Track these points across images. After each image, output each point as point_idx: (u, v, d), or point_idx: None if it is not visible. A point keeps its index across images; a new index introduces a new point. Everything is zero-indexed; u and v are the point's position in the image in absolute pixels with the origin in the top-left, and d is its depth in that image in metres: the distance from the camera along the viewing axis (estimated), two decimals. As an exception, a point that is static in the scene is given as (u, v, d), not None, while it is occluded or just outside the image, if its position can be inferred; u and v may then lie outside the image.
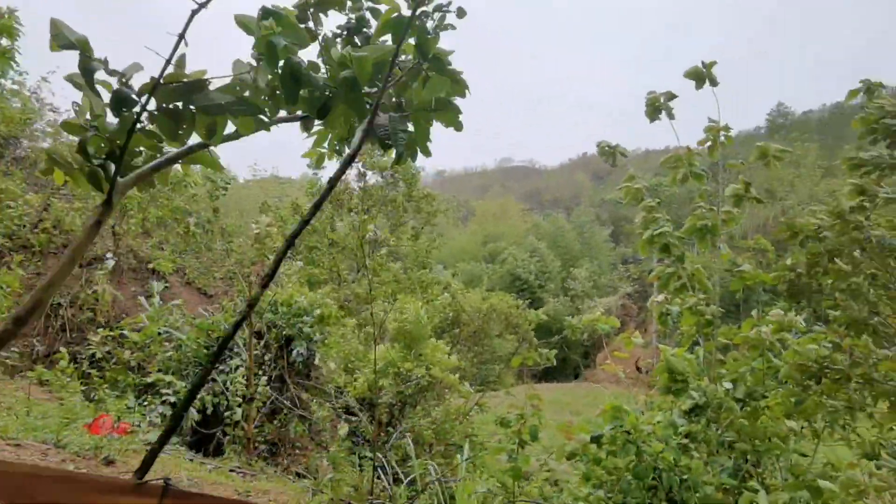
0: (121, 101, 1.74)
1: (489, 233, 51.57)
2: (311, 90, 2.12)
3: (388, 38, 2.45)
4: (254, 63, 2.00)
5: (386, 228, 19.48)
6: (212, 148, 2.32)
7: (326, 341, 8.76)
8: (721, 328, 3.50)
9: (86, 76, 1.70)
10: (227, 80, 1.96)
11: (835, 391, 2.80)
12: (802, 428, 3.21)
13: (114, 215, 10.76)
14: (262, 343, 8.18)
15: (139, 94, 1.78)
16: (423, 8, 2.22)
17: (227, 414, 7.09)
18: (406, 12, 2.31)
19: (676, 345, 3.78)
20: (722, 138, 3.67)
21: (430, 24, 2.27)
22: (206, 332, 7.65)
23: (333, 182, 2.39)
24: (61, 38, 1.65)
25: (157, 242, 11.09)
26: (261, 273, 11.30)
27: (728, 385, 3.35)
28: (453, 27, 2.26)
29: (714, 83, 3.61)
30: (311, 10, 2.31)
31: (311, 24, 2.40)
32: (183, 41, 1.71)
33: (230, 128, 2.29)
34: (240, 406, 7.10)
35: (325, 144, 3.02)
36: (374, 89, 2.35)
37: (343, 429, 7.61)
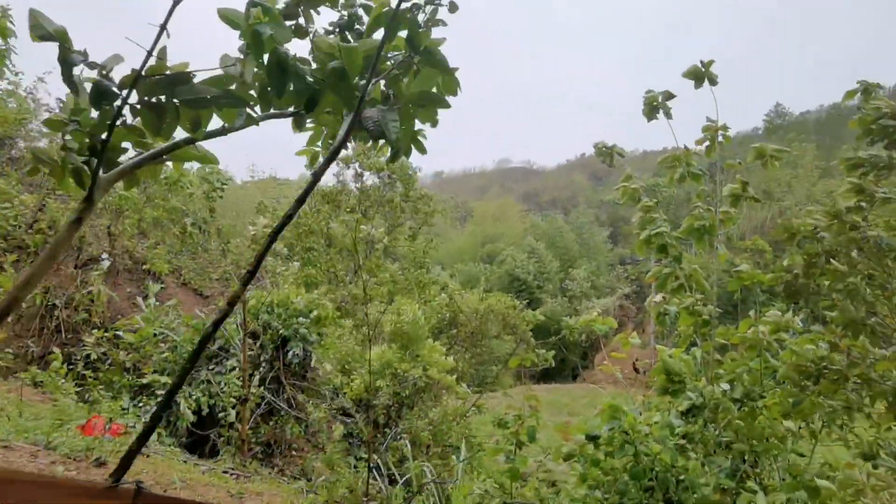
0: (100, 95, 1.71)
1: (487, 233, 51.59)
2: (298, 81, 2.09)
3: (380, 34, 2.42)
4: (241, 59, 1.96)
5: (382, 229, 19.46)
6: (208, 147, 2.29)
7: (323, 342, 8.73)
8: (718, 328, 3.48)
9: (65, 68, 1.66)
10: (212, 74, 1.93)
11: (832, 391, 2.78)
12: (800, 428, 3.19)
13: (110, 216, 10.72)
14: (258, 344, 8.14)
15: (120, 87, 1.74)
16: (415, 0, 2.20)
17: (221, 415, 7.06)
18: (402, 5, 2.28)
19: (674, 345, 3.76)
20: (720, 138, 3.65)
21: (421, 18, 2.24)
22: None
23: (318, 175, 2.35)
24: (39, 28, 1.61)
25: (154, 243, 11.04)
26: (259, 274, 11.27)
27: (725, 385, 3.32)
28: (444, 23, 2.23)
29: (713, 82, 3.58)
30: (302, 6, 2.28)
31: (301, 20, 2.37)
32: (165, 32, 1.67)
33: (220, 124, 2.26)
34: (234, 407, 7.07)
35: (319, 143, 2.99)
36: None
37: (338, 430, 7.58)
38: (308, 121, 2.67)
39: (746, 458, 3.12)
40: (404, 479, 6.72)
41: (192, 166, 12.66)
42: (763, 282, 3.33)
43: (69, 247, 9.32)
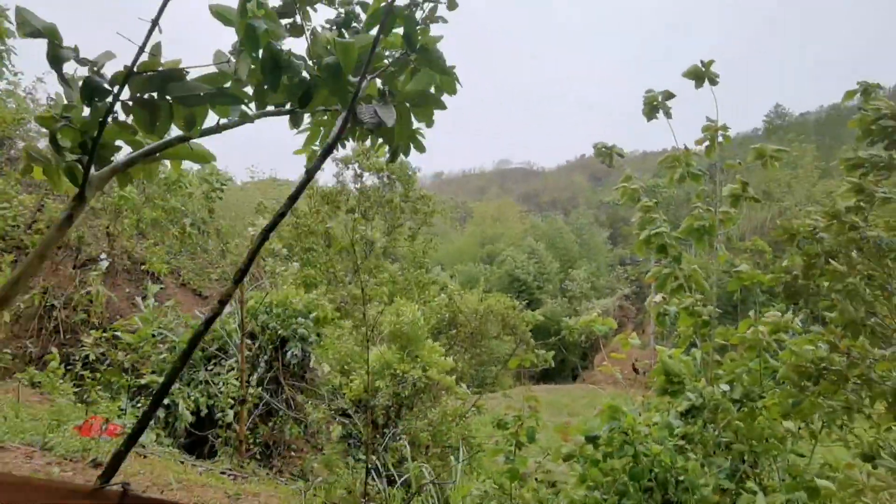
0: (91, 91, 1.69)
1: (487, 234, 51.56)
2: (292, 76, 2.07)
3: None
4: (234, 58, 1.94)
5: (380, 229, 19.45)
6: (207, 146, 2.27)
7: (322, 343, 8.70)
8: (718, 329, 3.46)
9: (55, 65, 1.64)
10: (206, 71, 1.91)
11: (832, 392, 2.76)
12: (800, 429, 3.18)
13: (108, 216, 10.71)
14: (257, 344, 8.12)
15: (111, 84, 1.72)
16: (411, -4, 2.18)
17: (219, 416, 7.04)
18: (400, 2, 2.27)
19: (674, 346, 3.74)
20: (720, 138, 3.64)
21: (419, 15, 2.23)
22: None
23: (311, 173, 2.33)
24: (27, 25, 1.59)
25: (152, 243, 11.03)
26: (257, 274, 11.26)
27: (725, 386, 3.31)
28: (444, 20, 2.22)
29: (713, 82, 3.57)
30: (298, 3, 2.26)
31: (298, 18, 2.36)
32: (157, 28, 1.66)
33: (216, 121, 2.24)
34: (232, 408, 7.05)
35: (318, 143, 2.97)
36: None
37: (336, 430, 7.55)
38: (306, 121, 2.66)
39: (746, 458, 3.11)
40: (403, 479, 6.70)
41: (192, 167, 12.66)
42: (763, 282, 3.32)
43: (62, 245, 9.30)
